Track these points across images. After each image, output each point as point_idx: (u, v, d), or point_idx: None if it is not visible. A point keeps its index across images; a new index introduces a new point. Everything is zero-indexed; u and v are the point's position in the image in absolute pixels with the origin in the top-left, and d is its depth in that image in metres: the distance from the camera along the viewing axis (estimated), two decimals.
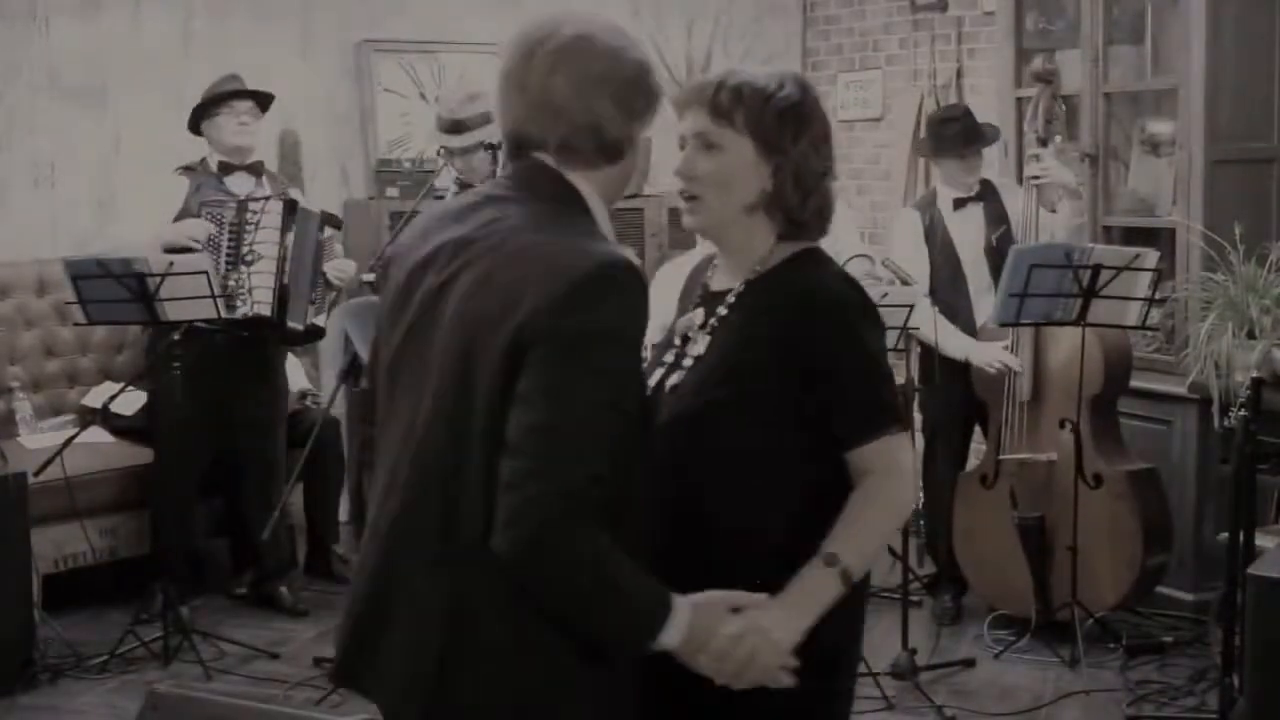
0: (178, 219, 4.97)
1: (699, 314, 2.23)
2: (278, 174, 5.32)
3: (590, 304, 1.81)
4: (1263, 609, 3.25)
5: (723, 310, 2.18)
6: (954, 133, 5.01)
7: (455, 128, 4.71)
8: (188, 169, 5.10)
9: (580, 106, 1.94)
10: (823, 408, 2.08)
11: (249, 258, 4.90)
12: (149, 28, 5.80)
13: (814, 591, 2.03)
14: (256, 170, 5.15)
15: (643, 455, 1.95)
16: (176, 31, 5.86)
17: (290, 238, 4.93)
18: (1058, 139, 5.00)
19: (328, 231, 5.15)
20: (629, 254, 1.90)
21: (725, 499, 2.09)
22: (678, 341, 2.24)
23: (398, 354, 1.99)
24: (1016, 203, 4.95)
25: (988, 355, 4.86)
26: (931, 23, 6.52)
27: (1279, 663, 3.21)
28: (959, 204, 5.05)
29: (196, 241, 4.82)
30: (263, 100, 5.18)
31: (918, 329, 4.63)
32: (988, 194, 5.08)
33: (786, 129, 2.12)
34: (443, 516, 1.88)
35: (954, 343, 4.90)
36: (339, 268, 5.15)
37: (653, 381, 2.19)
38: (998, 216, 5.03)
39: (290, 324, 4.97)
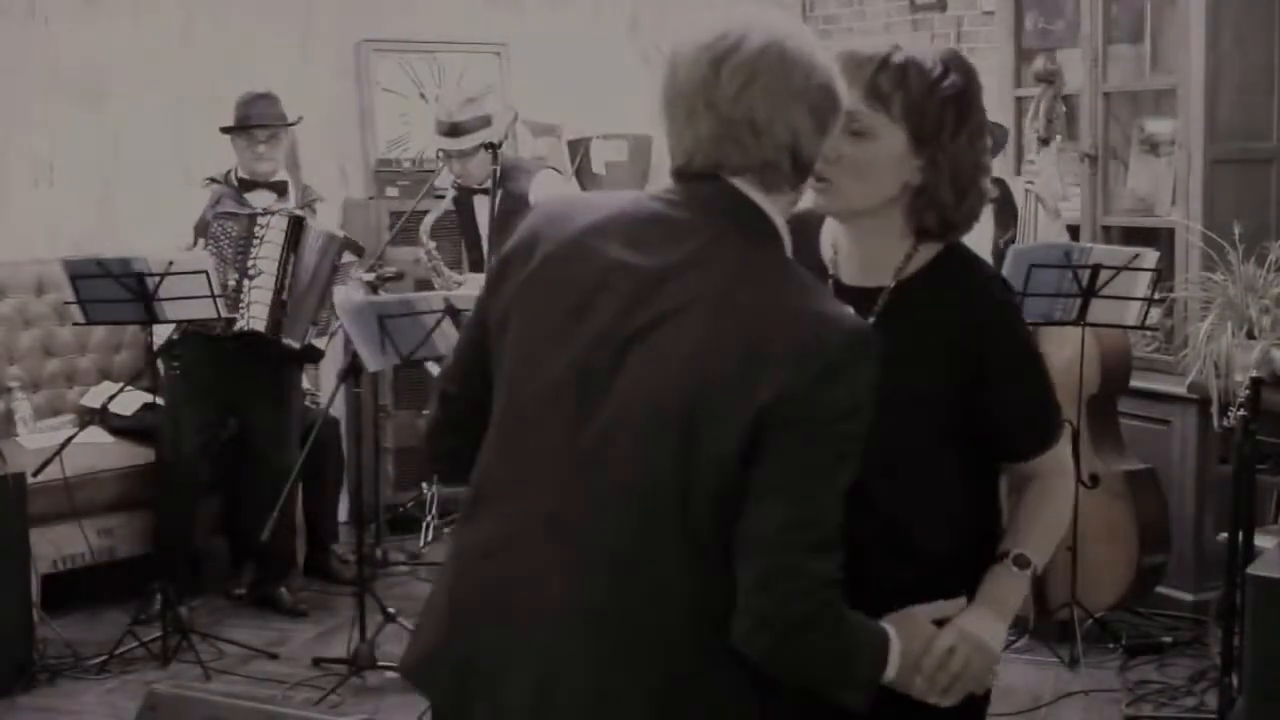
0: (196, 228, 4.99)
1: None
2: (310, 189, 5.28)
3: (842, 383, 1.67)
4: (1262, 609, 3.24)
5: (872, 317, 1.99)
6: None
7: (454, 131, 4.72)
8: (214, 180, 5.11)
9: (781, 124, 1.74)
10: (993, 427, 2.00)
11: (251, 271, 4.90)
12: (149, 27, 5.79)
13: (1011, 594, 2.01)
14: (279, 188, 5.13)
15: None
16: (176, 31, 5.86)
17: (295, 256, 4.92)
18: (1058, 139, 4.99)
19: (347, 257, 5.11)
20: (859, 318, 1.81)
21: (901, 517, 1.98)
22: None
23: (553, 384, 1.77)
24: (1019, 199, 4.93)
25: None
26: (931, 22, 6.52)
27: (1278, 663, 3.21)
28: None
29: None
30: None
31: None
32: (1001, 197, 5.05)
33: (948, 120, 1.94)
34: (644, 598, 1.73)
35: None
36: (344, 294, 5.09)
37: None
38: (1008, 220, 5.01)
39: (285, 341, 4.96)
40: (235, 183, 5.09)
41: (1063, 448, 2.10)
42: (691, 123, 1.77)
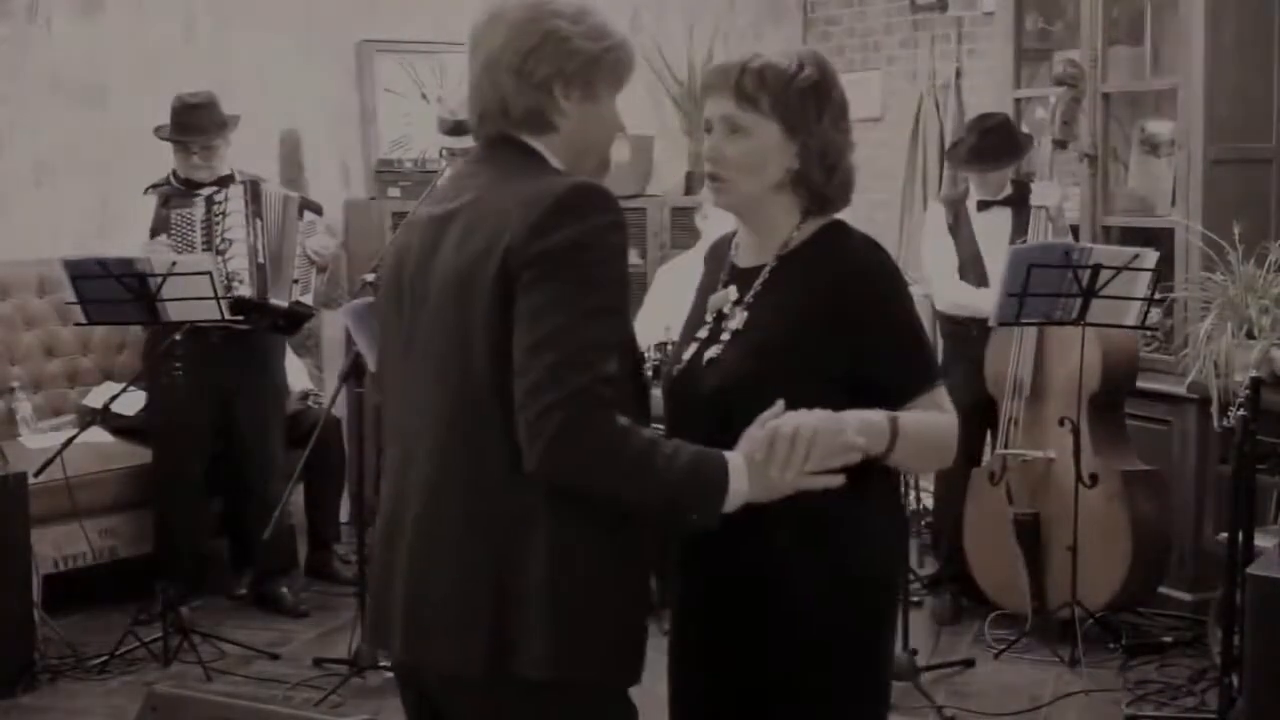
0: (152, 231, 4.99)
1: (732, 290, 2.29)
2: (252, 175, 5.28)
3: (570, 219, 1.89)
4: (1262, 609, 3.25)
5: (758, 286, 2.24)
6: (993, 146, 4.99)
7: (457, 129, 4.72)
8: (155, 188, 5.11)
9: (488, 84, 2.04)
10: (868, 372, 2.14)
11: (222, 246, 4.92)
12: (150, 28, 5.80)
13: (860, 412, 2.07)
14: (223, 183, 5.10)
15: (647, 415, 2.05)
16: (178, 32, 5.87)
17: (260, 219, 4.95)
18: (1077, 141, 4.99)
19: (308, 216, 5.15)
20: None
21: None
22: (709, 318, 2.29)
23: (405, 337, 2.07)
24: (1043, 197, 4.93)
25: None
26: (931, 23, 6.53)
27: (1278, 663, 3.22)
28: (983, 205, 5.06)
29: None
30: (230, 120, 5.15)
31: (960, 308, 4.77)
32: (1018, 199, 5.05)
33: (809, 108, 2.19)
34: (471, 467, 1.96)
35: (984, 300, 4.84)
36: (319, 244, 5.16)
37: (686, 356, 2.28)
38: (1025, 224, 5.00)
39: (273, 301, 4.98)
40: (178, 184, 5.10)
41: (944, 398, 2.22)
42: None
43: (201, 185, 5.09)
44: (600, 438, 1.87)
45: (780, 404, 2.02)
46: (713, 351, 2.24)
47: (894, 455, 2.10)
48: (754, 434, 2.00)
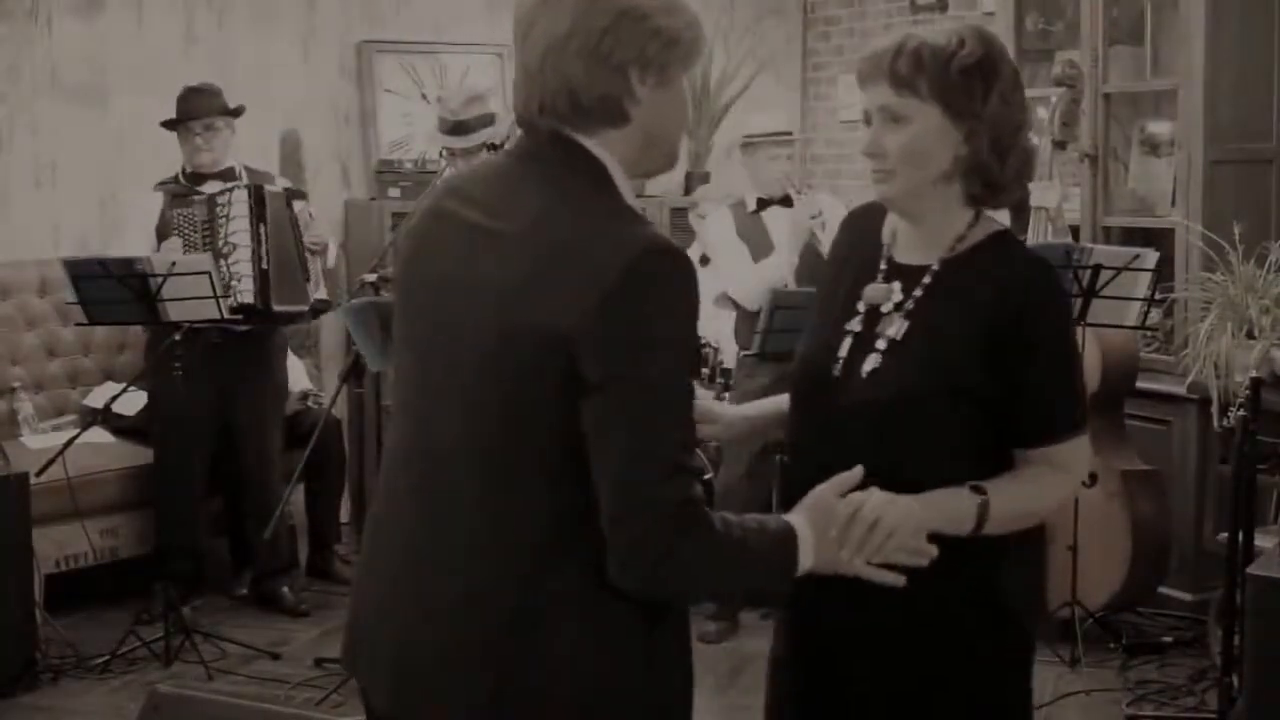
0: (157, 232, 5.01)
1: (896, 289, 2.10)
2: (259, 171, 5.29)
3: (645, 294, 1.71)
4: (1262, 609, 3.25)
5: (920, 292, 2.08)
6: None
7: (457, 129, 4.72)
8: (164, 184, 5.12)
9: (551, 70, 1.79)
10: (1013, 405, 2.01)
11: (225, 250, 4.92)
12: (151, 28, 5.80)
13: (946, 500, 1.98)
14: (227, 175, 5.11)
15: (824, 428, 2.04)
16: (178, 31, 5.87)
17: (264, 225, 4.94)
18: (1076, 141, 5.00)
19: (297, 205, 5.14)
20: (663, 235, 1.79)
21: (907, 471, 2.00)
22: (862, 308, 2.12)
23: (423, 345, 1.89)
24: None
25: None
26: (931, 23, 6.53)
27: (1279, 663, 3.22)
28: None
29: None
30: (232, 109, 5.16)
31: None
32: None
33: (975, 88, 2.01)
34: (498, 533, 1.79)
35: None
36: (312, 231, 5.16)
37: (842, 355, 2.09)
38: (1025, 221, 5.01)
39: (279, 309, 4.98)
40: (184, 180, 5.11)
41: (1075, 450, 2.06)
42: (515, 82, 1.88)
43: (206, 177, 5.07)
44: (703, 550, 1.75)
45: (859, 470, 1.92)
46: (872, 362, 2.06)
47: (981, 532, 2.00)
48: (829, 503, 1.90)
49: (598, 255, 1.71)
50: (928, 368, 2.02)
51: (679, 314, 1.75)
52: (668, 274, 1.73)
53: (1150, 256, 4.56)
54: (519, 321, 1.73)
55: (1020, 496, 2.02)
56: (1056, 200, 4.83)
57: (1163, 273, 4.65)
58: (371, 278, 4.95)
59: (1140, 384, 4.97)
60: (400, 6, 6.37)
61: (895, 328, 2.07)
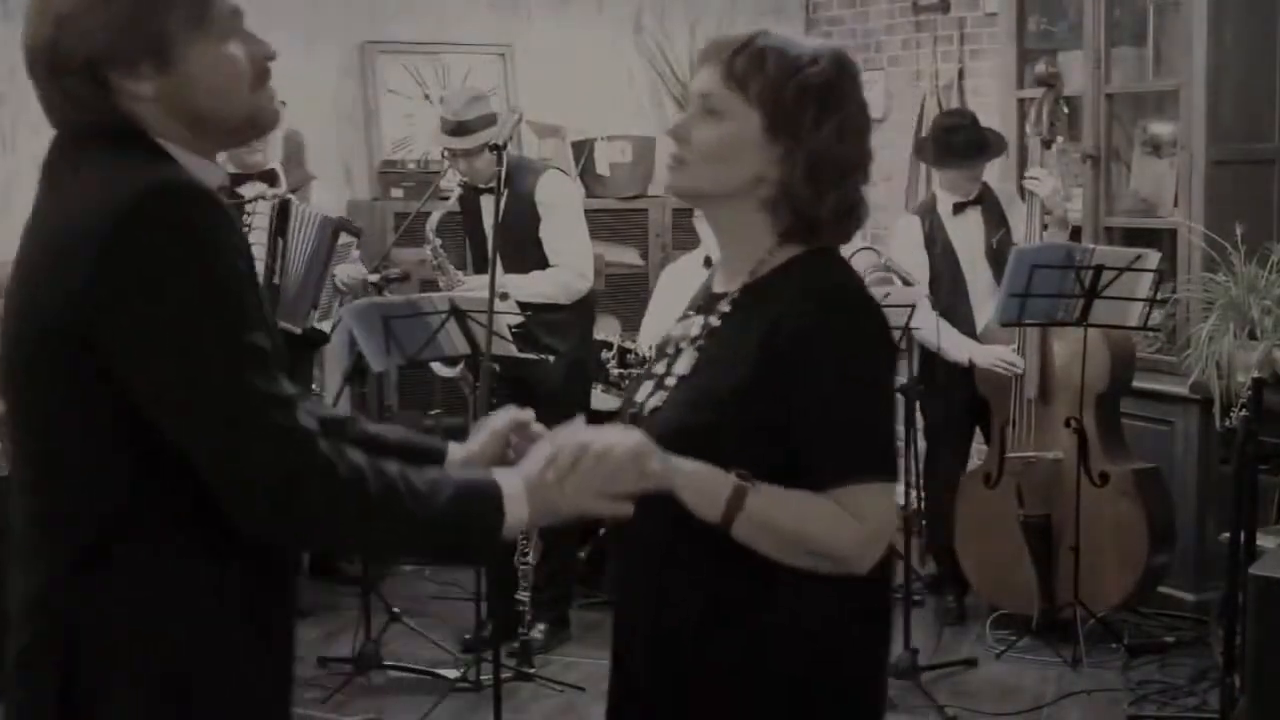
0: None
1: (698, 321, 1.94)
2: (297, 173, 5.26)
3: (147, 241, 1.54)
4: (1263, 609, 3.26)
5: (714, 320, 1.91)
6: (960, 143, 5.01)
7: (459, 130, 4.72)
8: None
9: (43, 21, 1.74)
10: (793, 436, 1.80)
11: None
12: None
13: (705, 469, 1.78)
14: (269, 177, 5.10)
15: None
16: None
17: (283, 240, 4.93)
18: (1060, 140, 5.01)
19: (344, 239, 5.10)
20: (176, 174, 1.61)
21: (703, 536, 1.81)
22: (670, 350, 1.97)
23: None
24: (1019, 211, 4.96)
25: (991, 356, 4.86)
26: (934, 24, 6.53)
27: (1279, 663, 3.22)
28: (958, 208, 5.06)
29: None
30: None
31: (919, 329, 4.64)
32: (987, 197, 5.09)
33: (807, 110, 1.83)
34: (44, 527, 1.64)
35: (956, 346, 4.91)
36: (348, 272, 5.12)
37: (639, 398, 1.95)
38: (997, 220, 5.05)
39: (284, 325, 4.97)
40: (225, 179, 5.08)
41: (868, 498, 1.80)
42: None
43: (247, 178, 5.04)
44: (322, 490, 1.57)
45: (580, 419, 1.79)
46: (657, 399, 1.91)
47: (735, 530, 1.78)
48: (541, 451, 1.75)
49: (95, 218, 1.58)
50: (703, 403, 1.85)
51: (191, 248, 1.55)
52: (168, 212, 1.55)
53: (1152, 257, 4.57)
54: (27, 312, 1.62)
55: (789, 509, 1.79)
56: (1049, 189, 4.82)
57: (1164, 273, 4.66)
58: (375, 278, 4.96)
59: (1142, 384, 4.98)
60: (403, 7, 6.38)
61: (685, 362, 1.91)
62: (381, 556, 1.78)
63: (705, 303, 1.97)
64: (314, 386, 5.77)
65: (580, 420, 1.80)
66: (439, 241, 4.99)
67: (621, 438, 1.74)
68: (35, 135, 5.96)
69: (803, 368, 1.78)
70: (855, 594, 1.85)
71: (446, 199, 5.20)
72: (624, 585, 1.99)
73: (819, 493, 1.79)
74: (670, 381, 1.92)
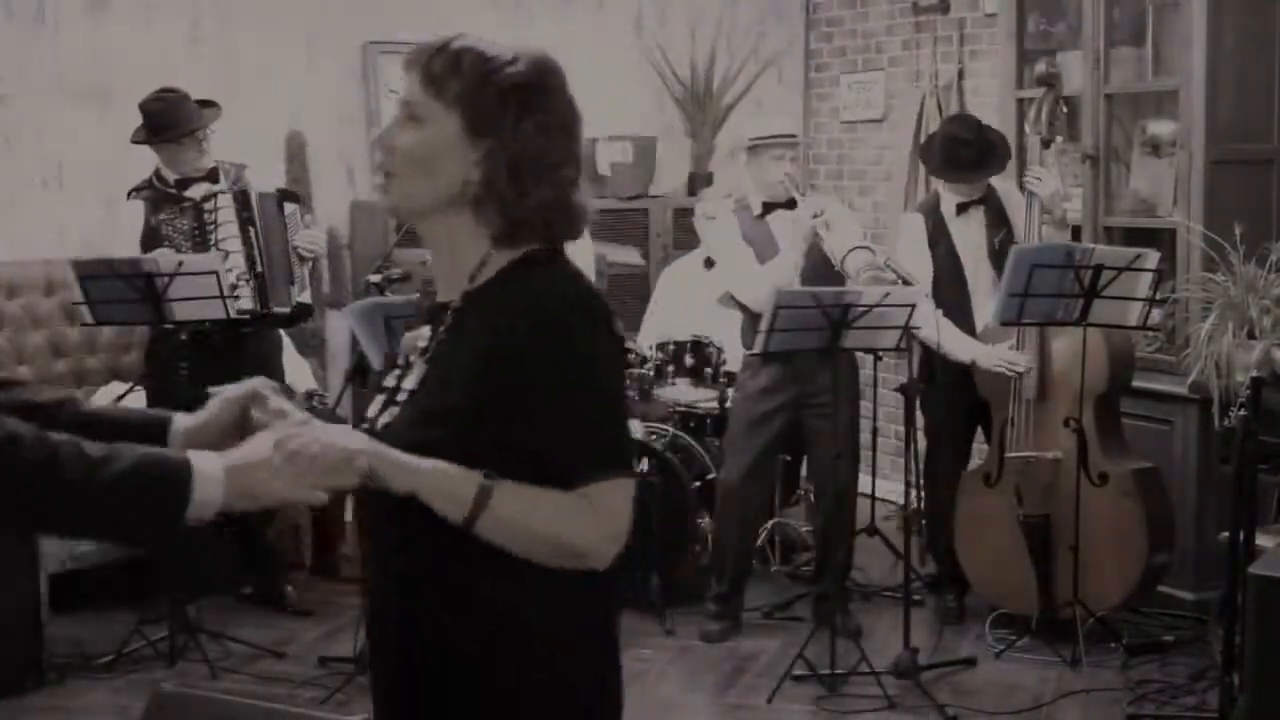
0: (143, 243, 4.93)
1: (424, 333, 1.91)
2: (231, 165, 5.23)
3: None
4: (1263, 608, 3.26)
5: (441, 333, 1.87)
6: (966, 159, 5.00)
7: None
8: (138, 190, 5.04)
9: None
10: (528, 440, 1.78)
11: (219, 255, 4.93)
12: (157, 29, 5.82)
13: (449, 468, 1.76)
14: (211, 176, 5.04)
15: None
16: (184, 33, 5.89)
17: (254, 228, 4.94)
18: (1059, 140, 5.02)
19: (289, 208, 5.11)
20: None
21: (441, 557, 1.81)
22: (401, 363, 1.94)
23: None
24: (1019, 208, 4.96)
25: (994, 357, 4.87)
26: (934, 24, 6.54)
27: (1279, 662, 3.23)
28: (961, 208, 5.07)
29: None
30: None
31: (919, 328, 4.65)
32: (989, 197, 5.10)
33: (507, 110, 1.81)
34: None
35: (959, 345, 4.91)
36: (309, 239, 5.11)
37: (371, 413, 1.92)
38: (999, 220, 5.06)
39: (275, 309, 4.99)
40: (165, 185, 5.02)
41: (615, 496, 1.80)
42: None
43: (189, 182, 5.01)
44: None
45: (308, 414, 1.82)
46: (387, 416, 1.88)
47: (479, 529, 1.76)
48: (262, 438, 1.77)
49: None
50: (431, 418, 1.82)
51: None
52: None
53: (1151, 257, 4.57)
54: None
55: (535, 507, 1.78)
56: (1049, 189, 4.82)
57: (1164, 273, 4.67)
58: (376, 278, 4.97)
59: (1141, 384, 4.99)
60: (404, 8, 6.38)
61: (414, 376, 1.89)
62: (51, 529, 1.71)
63: (432, 314, 1.94)
64: (314, 388, 5.79)
65: (308, 414, 1.83)
66: None
67: (342, 435, 1.76)
68: (39, 136, 5.97)
69: (526, 376, 1.77)
70: (595, 588, 1.86)
71: None
72: (374, 578, 1.95)
73: (562, 490, 1.78)
74: (400, 397, 1.89)
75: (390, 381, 1.94)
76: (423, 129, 1.83)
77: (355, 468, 1.73)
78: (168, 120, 4.95)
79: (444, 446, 1.77)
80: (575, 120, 1.89)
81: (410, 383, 1.88)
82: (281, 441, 1.73)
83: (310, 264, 5.18)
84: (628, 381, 5.49)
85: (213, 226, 4.93)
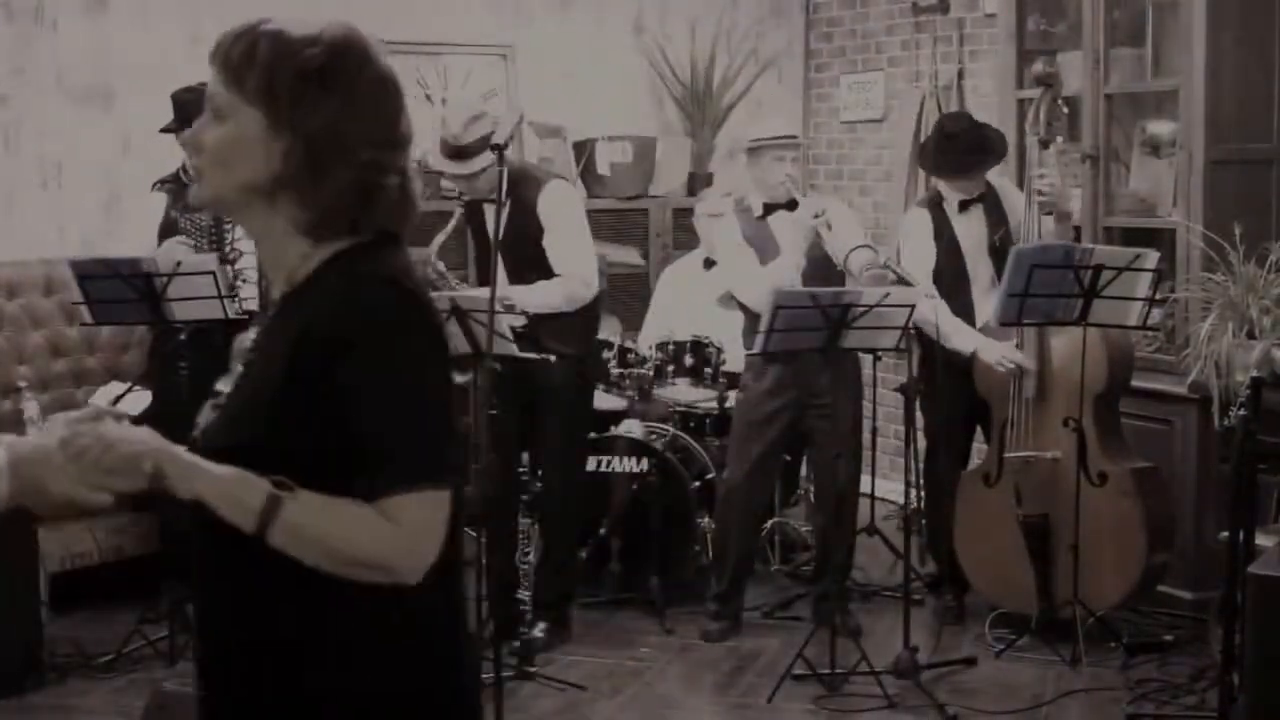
0: (161, 234, 4.98)
1: (252, 334, 1.85)
2: None
3: None
4: (1263, 608, 3.27)
5: (259, 335, 1.81)
6: (959, 154, 5.01)
7: (458, 155, 4.67)
8: (163, 183, 5.10)
9: None
10: (345, 454, 1.69)
11: (231, 255, 4.93)
12: (156, 29, 5.82)
13: (238, 474, 1.68)
14: None
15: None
16: (184, 33, 5.88)
17: None
18: (1059, 140, 5.02)
19: None
20: None
21: (240, 566, 1.74)
22: (233, 366, 1.92)
23: None
24: (1018, 204, 4.97)
25: (996, 353, 4.87)
26: (933, 24, 6.54)
27: (1279, 662, 3.23)
28: (964, 206, 5.07)
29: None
30: None
31: (925, 324, 4.65)
32: (989, 195, 5.10)
33: (306, 96, 1.71)
34: None
35: (961, 336, 4.90)
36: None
37: (201, 419, 1.84)
38: (999, 217, 5.06)
39: None
40: (189, 179, 5.08)
41: (413, 506, 1.68)
42: None
43: None
44: None
45: (91, 408, 1.75)
46: (206, 420, 1.82)
47: (271, 539, 1.67)
48: (52, 431, 1.72)
49: None
50: (240, 421, 1.75)
51: None
52: None
53: (1151, 257, 4.57)
54: None
55: (327, 518, 1.68)
56: (1051, 185, 4.82)
57: (1164, 273, 4.67)
58: None
59: (1141, 384, 4.99)
60: (404, 7, 6.38)
61: (232, 379, 1.83)
62: None
63: (262, 312, 1.87)
64: None
65: (102, 410, 1.76)
66: (442, 265, 4.98)
67: (129, 436, 1.70)
68: (39, 136, 5.98)
69: (336, 377, 1.67)
70: (412, 603, 1.74)
71: (448, 198, 5.20)
72: (195, 586, 1.88)
73: (368, 502, 1.68)
74: (221, 400, 1.83)
75: (222, 385, 1.89)
76: (225, 124, 1.74)
77: (141, 470, 1.69)
78: (195, 111, 4.97)
79: (252, 452, 1.69)
80: (384, 100, 1.76)
81: (228, 386, 1.82)
82: (66, 439, 1.69)
83: None
84: (627, 380, 5.49)
85: (230, 226, 4.95)
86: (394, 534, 1.68)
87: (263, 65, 1.73)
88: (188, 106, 4.99)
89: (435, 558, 1.72)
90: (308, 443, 1.70)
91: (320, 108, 1.71)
